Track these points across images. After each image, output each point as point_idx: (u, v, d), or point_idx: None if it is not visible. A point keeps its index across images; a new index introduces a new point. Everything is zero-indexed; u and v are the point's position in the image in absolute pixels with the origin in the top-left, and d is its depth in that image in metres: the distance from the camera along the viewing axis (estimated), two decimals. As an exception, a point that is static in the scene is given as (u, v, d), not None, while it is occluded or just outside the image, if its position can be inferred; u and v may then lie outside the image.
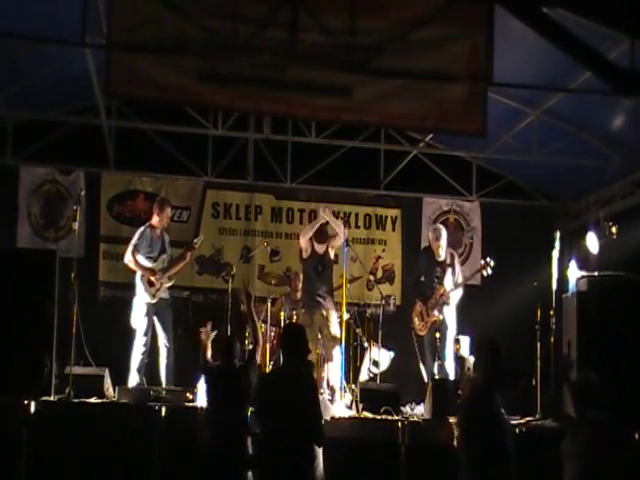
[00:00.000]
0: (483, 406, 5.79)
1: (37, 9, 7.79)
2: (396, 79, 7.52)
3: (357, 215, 11.51)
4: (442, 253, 9.33)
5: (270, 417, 5.71)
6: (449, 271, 9.25)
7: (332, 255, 9.25)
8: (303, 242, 9.25)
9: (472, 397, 6.01)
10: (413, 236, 11.60)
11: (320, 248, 9.18)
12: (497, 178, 11.54)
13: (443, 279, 9.21)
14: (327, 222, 9.21)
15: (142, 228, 9.24)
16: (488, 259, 9.24)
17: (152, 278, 8.99)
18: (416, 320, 9.30)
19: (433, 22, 7.41)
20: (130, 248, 9.10)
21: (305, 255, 9.30)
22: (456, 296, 9.28)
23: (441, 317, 9.15)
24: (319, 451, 5.68)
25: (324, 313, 8.98)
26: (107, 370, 8.53)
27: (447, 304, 9.22)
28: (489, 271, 9.19)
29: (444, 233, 9.44)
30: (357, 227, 11.41)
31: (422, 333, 9.25)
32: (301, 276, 10.18)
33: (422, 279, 9.43)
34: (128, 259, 9.11)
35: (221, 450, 6.37)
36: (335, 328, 8.93)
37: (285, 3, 7.20)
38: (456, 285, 9.23)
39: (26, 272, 7.91)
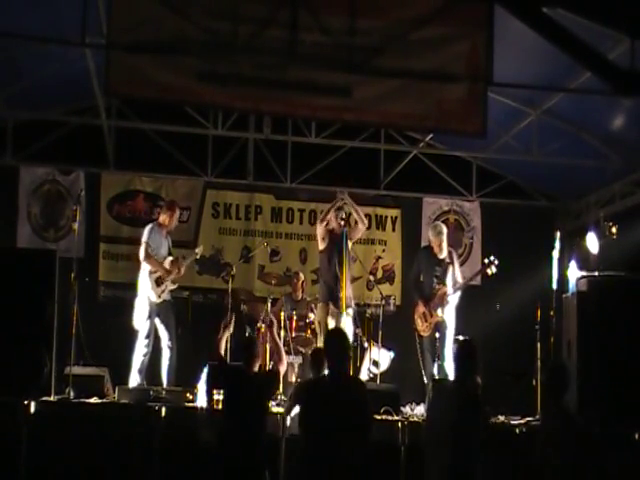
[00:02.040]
0: None
1: (37, 9, 7.80)
2: (396, 79, 7.52)
3: (357, 215, 11.49)
4: (443, 250, 9.31)
5: (319, 423, 5.62)
6: (450, 270, 9.22)
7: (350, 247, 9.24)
8: (320, 231, 9.22)
9: None
10: (413, 236, 11.60)
11: (338, 227, 9.15)
12: (497, 178, 11.54)
13: (444, 278, 9.19)
14: (342, 206, 9.20)
15: (150, 226, 9.20)
16: (492, 257, 9.21)
17: (163, 277, 8.98)
18: (419, 321, 9.27)
19: (433, 22, 7.40)
20: (143, 246, 9.02)
21: (322, 246, 9.27)
22: (456, 296, 9.26)
23: (444, 317, 9.13)
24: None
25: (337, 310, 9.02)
26: (107, 370, 8.53)
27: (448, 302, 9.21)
28: (493, 269, 9.16)
29: (445, 230, 9.43)
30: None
31: (426, 334, 9.22)
32: (302, 276, 10.21)
33: (421, 279, 9.41)
34: (144, 257, 9.00)
35: (240, 453, 6.34)
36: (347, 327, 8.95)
37: (285, 3, 7.20)
38: (456, 285, 9.20)
39: (26, 272, 7.90)
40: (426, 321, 9.20)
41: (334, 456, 5.50)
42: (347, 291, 9.11)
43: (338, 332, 6.50)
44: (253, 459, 6.33)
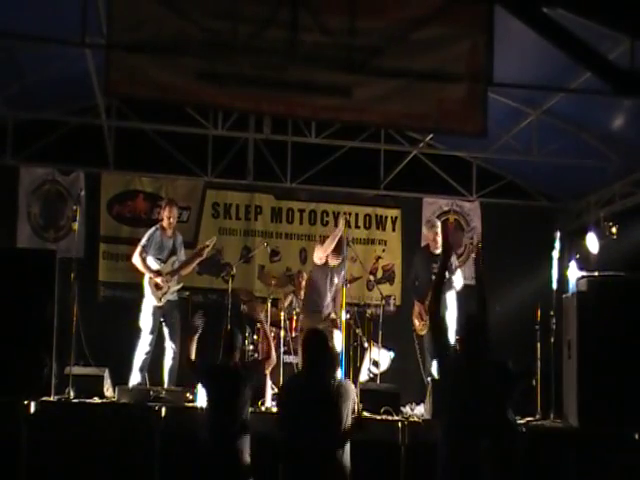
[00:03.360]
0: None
1: (37, 9, 7.79)
2: (396, 79, 7.51)
3: (357, 215, 11.51)
4: (439, 245, 9.28)
5: (293, 429, 5.60)
6: None
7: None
8: (320, 254, 9.15)
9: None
10: (413, 236, 11.60)
11: (334, 261, 9.11)
12: (497, 178, 11.54)
13: None
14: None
15: (152, 229, 9.20)
16: (476, 240, 9.17)
17: (158, 280, 8.97)
18: (416, 321, 9.30)
19: (433, 22, 7.40)
20: (138, 249, 9.05)
21: (320, 262, 9.18)
22: (452, 294, 9.22)
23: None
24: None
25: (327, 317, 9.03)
26: (107, 370, 8.53)
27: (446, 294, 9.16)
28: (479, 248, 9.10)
29: (439, 224, 9.44)
30: (357, 227, 11.41)
31: (422, 333, 9.24)
32: (305, 275, 10.18)
33: (418, 281, 9.41)
34: (135, 259, 9.07)
35: (219, 453, 6.33)
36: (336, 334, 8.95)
37: (285, 3, 7.20)
38: (453, 273, 9.16)
39: (26, 272, 7.90)
40: (422, 320, 9.21)
41: (307, 458, 5.49)
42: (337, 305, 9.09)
43: (316, 333, 6.43)
44: (231, 461, 6.29)
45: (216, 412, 6.48)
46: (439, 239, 9.20)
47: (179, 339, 9.06)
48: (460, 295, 9.34)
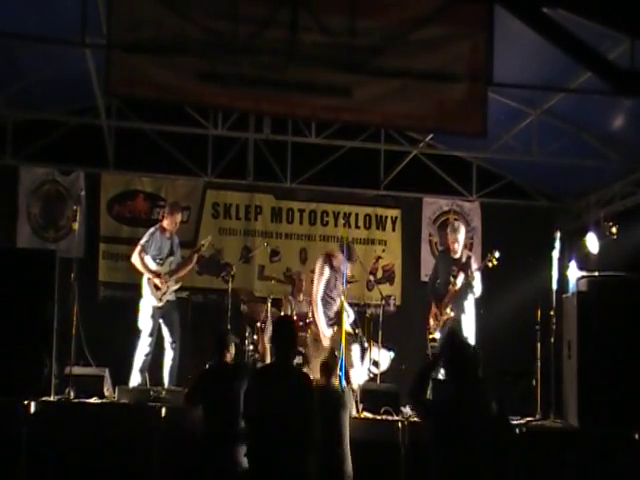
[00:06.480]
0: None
1: (37, 9, 7.80)
2: (396, 79, 7.51)
3: (357, 215, 11.52)
4: (458, 250, 9.30)
5: (261, 420, 5.47)
6: (462, 272, 9.20)
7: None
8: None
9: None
10: (413, 236, 11.62)
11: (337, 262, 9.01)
12: (497, 178, 11.55)
13: (457, 278, 9.17)
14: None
15: (152, 229, 9.21)
16: (493, 251, 9.18)
17: (157, 281, 8.97)
18: (431, 321, 9.30)
19: (433, 22, 7.40)
20: (138, 248, 9.06)
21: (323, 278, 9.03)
22: (471, 300, 9.21)
23: (452, 314, 9.11)
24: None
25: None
26: (107, 370, 8.53)
27: (466, 299, 9.17)
28: (494, 262, 9.11)
29: (462, 229, 9.47)
30: (357, 227, 11.41)
31: (436, 331, 9.18)
32: (304, 276, 10.18)
33: (438, 281, 9.40)
34: (135, 259, 9.07)
35: (212, 455, 6.31)
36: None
37: (285, 3, 7.20)
38: (468, 281, 9.15)
39: (26, 272, 7.90)
40: (437, 320, 9.22)
41: (271, 460, 5.34)
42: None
43: (287, 320, 6.38)
44: (224, 464, 6.28)
45: (212, 411, 6.48)
46: (458, 245, 9.29)
47: (179, 339, 9.08)
48: (478, 301, 9.32)
